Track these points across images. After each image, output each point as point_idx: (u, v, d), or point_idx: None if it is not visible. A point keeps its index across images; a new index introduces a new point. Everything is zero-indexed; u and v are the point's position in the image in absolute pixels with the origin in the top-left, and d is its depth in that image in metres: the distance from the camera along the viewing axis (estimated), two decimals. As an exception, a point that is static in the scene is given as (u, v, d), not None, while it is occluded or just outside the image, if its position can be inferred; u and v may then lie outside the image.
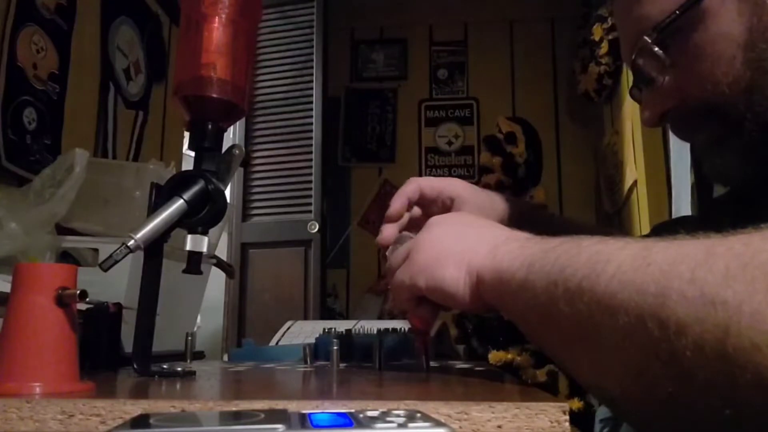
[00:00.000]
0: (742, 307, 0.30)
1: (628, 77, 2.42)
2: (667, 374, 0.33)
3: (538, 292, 0.42)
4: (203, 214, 0.60)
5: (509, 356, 2.15)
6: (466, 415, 0.36)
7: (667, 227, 0.89)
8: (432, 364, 0.67)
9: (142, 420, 0.29)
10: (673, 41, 0.53)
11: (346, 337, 0.79)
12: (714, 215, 0.71)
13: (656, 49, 0.54)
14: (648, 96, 0.58)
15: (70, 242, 0.98)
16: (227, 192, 0.64)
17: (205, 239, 0.62)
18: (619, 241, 0.39)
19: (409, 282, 0.55)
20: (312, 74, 2.82)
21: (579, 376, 0.42)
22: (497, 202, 0.73)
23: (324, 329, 0.89)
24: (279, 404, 0.37)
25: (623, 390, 0.37)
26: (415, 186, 0.71)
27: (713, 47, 0.51)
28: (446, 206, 0.70)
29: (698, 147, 0.59)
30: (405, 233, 0.68)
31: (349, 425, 0.26)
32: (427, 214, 0.70)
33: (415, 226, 0.70)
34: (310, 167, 2.75)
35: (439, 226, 0.57)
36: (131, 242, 0.54)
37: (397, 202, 0.69)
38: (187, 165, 1.45)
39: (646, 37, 0.54)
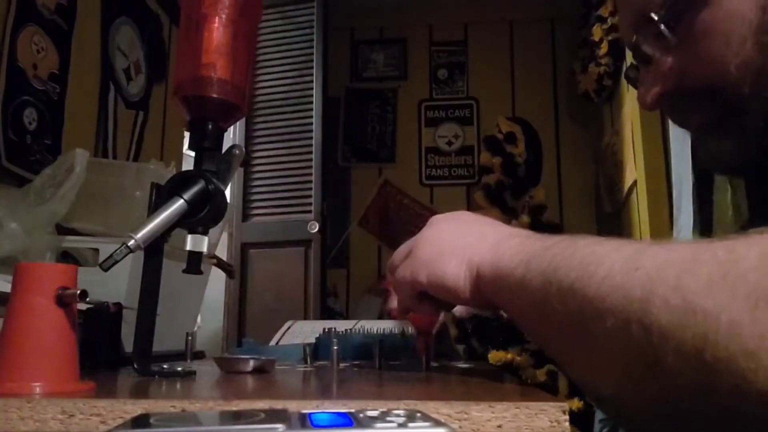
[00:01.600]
0: (720, 316, 0.30)
1: (628, 77, 2.42)
2: (651, 377, 0.34)
3: (534, 290, 0.43)
4: (203, 214, 0.60)
5: (509, 356, 2.15)
6: (466, 415, 0.36)
7: None
8: (432, 363, 0.67)
9: (142, 420, 0.29)
10: (681, 19, 0.51)
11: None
12: None
13: (662, 26, 0.52)
14: (647, 76, 0.57)
15: (70, 242, 0.98)
16: (227, 192, 0.64)
17: (205, 239, 0.62)
18: (614, 243, 0.39)
19: (410, 277, 0.55)
20: (312, 74, 2.82)
21: (572, 374, 0.42)
22: None
23: (324, 329, 0.89)
24: (279, 404, 0.37)
25: (612, 389, 0.38)
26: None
27: (723, 26, 0.49)
28: None
29: (694, 131, 0.57)
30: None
31: (349, 425, 0.26)
32: None
33: None
34: (310, 167, 2.75)
35: (440, 222, 0.57)
36: (131, 242, 0.54)
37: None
38: (188, 165, 1.45)
39: (653, 14, 0.52)
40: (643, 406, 0.36)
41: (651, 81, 0.56)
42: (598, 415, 1.64)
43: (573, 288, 0.38)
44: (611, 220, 2.81)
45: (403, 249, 0.58)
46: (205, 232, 0.61)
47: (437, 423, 0.27)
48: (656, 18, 0.52)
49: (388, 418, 0.27)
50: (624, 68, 2.49)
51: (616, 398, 0.38)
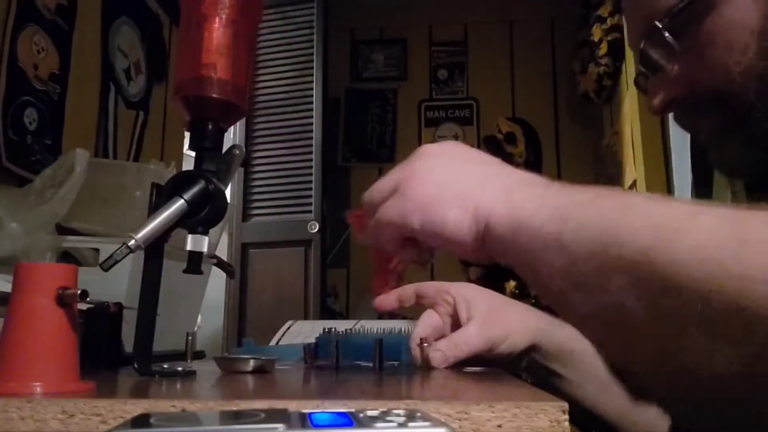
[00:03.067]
0: None
1: (627, 77, 2.43)
2: (733, 363, 0.30)
3: (579, 257, 0.37)
4: (203, 214, 0.60)
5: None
6: (466, 414, 0.36)
7: None
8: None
9: (142, 419, 0.29)
10: (685, 27, 0.52)
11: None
12: None
13: (667, 35, 0.52)
14: (655, 83, 0.57)
15: (70, 242, 0.99)
16: (227, 192, 0.64)
17: (206, 239, 0.62)
18: (682, 205, 0.35)
19: (399, 220, 0.47)
20: (312, 74, 2.82)
21: (607, 350, 0.38)
22: (516, 304, 0.70)
23: (324, 329, 0.89)
24: (279, 404, 0.37)
25: (669, 374, 0.34)
26: (410, 289, 0.71)
27: (726, 34, 0.50)
28: (457, 313, 0.69)
29: (702, 136, 0.57)
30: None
31: (349, 425, 0.26)
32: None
33: None
34: (310, 167, 2.75)
35: (435, 156, 0.49)
36: (132, 242, 0.54)
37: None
38: (188, 165, 1.45)
39: (657, 23, 0.52)
40: (704, 389, 0.33)
41: (659, 88, 0.56)
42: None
43: (647, 259, 0.33)
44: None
45: (386, 183, 0.50)
46: (205, 232, 0.62)
47: (437, 423, 0.27)
48: (661, 26, 0.52)
49: (388, 418, 0.27)
50: (624, 69, 2.49)
51: (665, 386, 0.35)
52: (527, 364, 0.70)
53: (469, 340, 0.64)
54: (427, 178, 0.47)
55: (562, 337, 0.67)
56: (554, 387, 0.68)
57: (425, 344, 0.65)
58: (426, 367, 0.64)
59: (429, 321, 0.70)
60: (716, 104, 0.53)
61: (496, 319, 0.66)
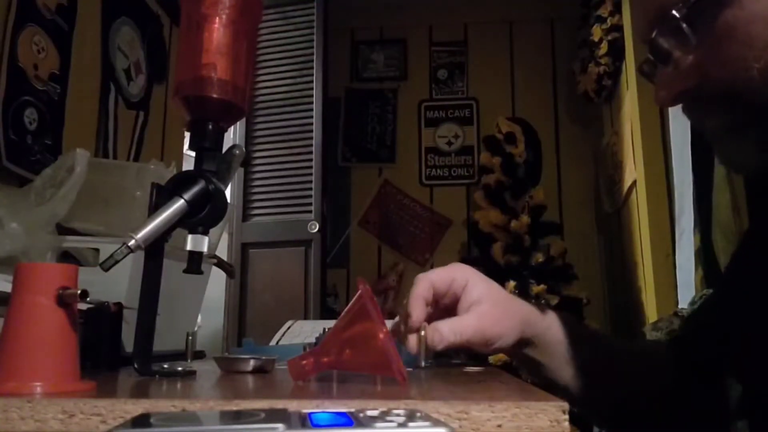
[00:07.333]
0: None
1: (627, 77, 2.43)
2: None
3: None
4: (204, 214, 0.60)
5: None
6: (466, 414, 0.36)
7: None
8: (430, 363, 0.67)
9: (142, 419, 0.29)
10: (703, 18, 0.49)
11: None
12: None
13: (684, 26, 0.50)
14: (665, 74, 0.54)
15: (70, 242, 0.99)
16: (227, 192, 0.64)
17: (206, 239, 0.62)
18: None
19: None
20: (312, 74, 2.82)
21: None
22: (511, 299, 0.70)
23: (324, 329, 0.89)
24: (279, 404, 0.37)
25: None
26: (426, 283, 0.67)
27: (747, 28, 0.48)
28: (457, 295, 0.68)
29: (712, 132, 0.55)
30: None
31: (349, 425, 0.27)
32: (439, 306, 0.69)
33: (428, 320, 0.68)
34: (310, 167, 2.75)
35: None
36: (132, 242, 0.54)
37: (417, 309, 0.65)
38: (188, 165, 1.45)
39: (674, 12, 0.50)
40: None
41: (669, 79, 0.54)
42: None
43: None
44: (611, 220, 2.81)
45: None
46: (205, 232, 0.62)
47: (437, 423, 0.27)
48: (678, 15, 0.50)
49: (388, 418, 0.27)
50: (624, 69, 2.49)
51: None
52: (514, 352, 0.72)
53: (465, 331, 0.65)
54: None
55: (544, 326, 0.70)
56: (537, 374, 0.70)
57: (422, 333, 0.65)
58: (424, 353, 0.64)
59: (426, 281, 0.69)
60: (729, 100, 0.51)
61: (493, 320, 0.67)
